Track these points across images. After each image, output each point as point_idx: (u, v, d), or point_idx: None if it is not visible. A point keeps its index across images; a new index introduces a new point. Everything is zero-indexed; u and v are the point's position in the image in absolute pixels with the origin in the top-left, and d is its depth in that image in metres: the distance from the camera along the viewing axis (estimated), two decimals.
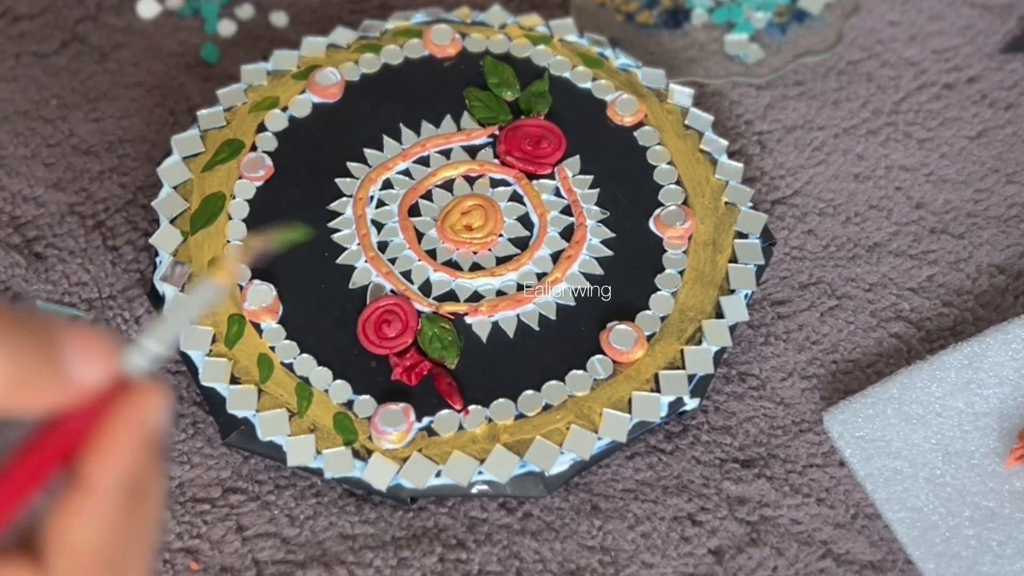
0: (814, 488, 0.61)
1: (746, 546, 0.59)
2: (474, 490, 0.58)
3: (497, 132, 0.68)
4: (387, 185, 0.67)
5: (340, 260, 0.64)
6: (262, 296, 0.62)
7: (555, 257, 0.65)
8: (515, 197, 0.67)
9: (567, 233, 0.65)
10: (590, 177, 0.67)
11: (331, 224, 0.65)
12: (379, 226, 0.65)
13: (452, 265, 0.64)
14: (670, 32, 0.77)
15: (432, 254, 0.64)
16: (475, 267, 0.64)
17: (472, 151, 0.68)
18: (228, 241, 0.64)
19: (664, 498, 0.60)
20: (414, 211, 0.66)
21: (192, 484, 0.60)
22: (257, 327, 0.62)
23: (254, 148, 0.67)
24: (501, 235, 0.65)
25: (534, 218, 0.66)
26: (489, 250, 0.65)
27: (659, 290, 0.64)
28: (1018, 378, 0.62)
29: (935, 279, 0.68)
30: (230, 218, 0.65)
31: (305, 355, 0.61)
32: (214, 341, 0.61)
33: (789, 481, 0.61)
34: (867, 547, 0.59)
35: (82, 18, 0.77)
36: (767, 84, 0.75)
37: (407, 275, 0.63)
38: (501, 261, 0.64)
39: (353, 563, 0.58)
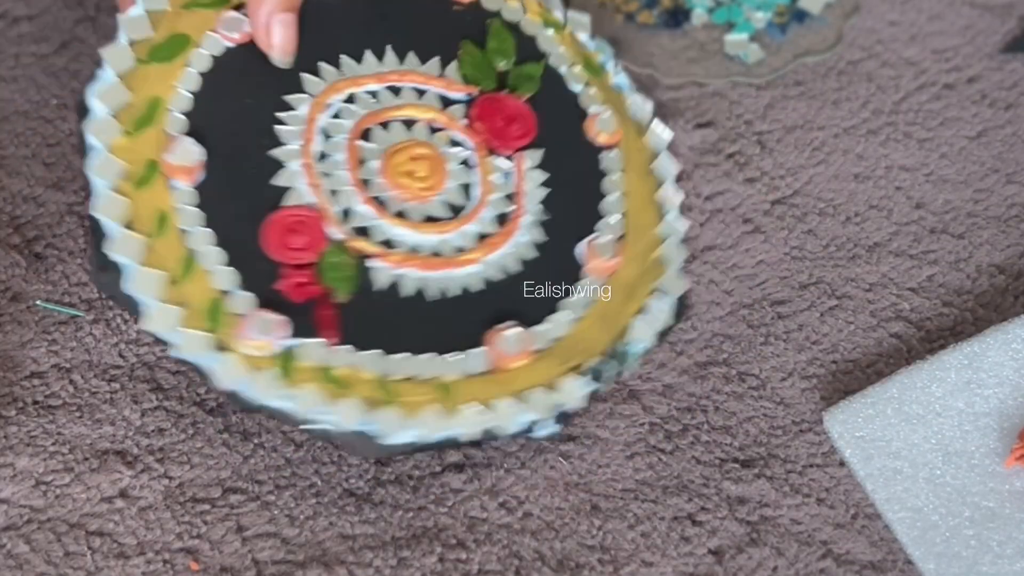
0: (814, 488, 0.61)
1: (746, 546, 0.59)
2: (308, 425, 0.56)
3: (476, 94, 0.66)
4: (350, 100, 0.64)
5: (274, 152, 0.61)
6: (187, 154, 0.59)
7: (481, 237, 0.62)
8: (467, 164, 0.64)
9: (502, 219, 0.63)
10: (545, 175, 0.65)
11: (280, 115, 0.62)
12: (326, 136, 0.62)
13: (380, 203, 0.61)
14: (670, 32, 0.77)
15: (365, 184, 0.62)
16: (400, 215, 0.61)
17: (446, 102, 0.65)
18: (174, 86, 0.60)
19: (664, 498, 0.60)
20: (366, 136, 0.63)
21: (192, 484, 0.60)
22: (170, 182, 0.59)
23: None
24: (438, 195, 0.62)
25: (476, 192, 0.63)
26: (421, 204, 0.62)
27: (563, 311, 0.61)
28: (1018, 378, 0.62)
29: (935, 279, 0.68)
30: (188, 66, 0.61)
31: (204, 229, 0.58)
32: (126, 179, 0.58)
33: (789, 481, 0.61)
34: (867, 547, 0.59)
35: (81, 19, 0.77)
36: (767, 84, 0.75)
37: (333, 194, 0.61)
38: (428, 220, 0.62)
39: (353, 563, 0.58)
